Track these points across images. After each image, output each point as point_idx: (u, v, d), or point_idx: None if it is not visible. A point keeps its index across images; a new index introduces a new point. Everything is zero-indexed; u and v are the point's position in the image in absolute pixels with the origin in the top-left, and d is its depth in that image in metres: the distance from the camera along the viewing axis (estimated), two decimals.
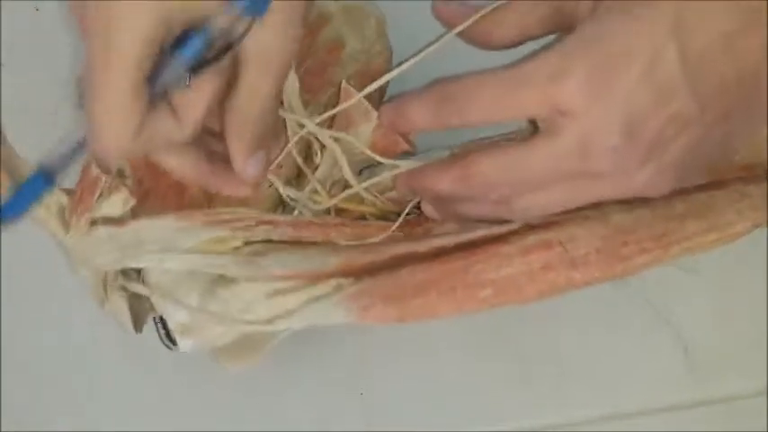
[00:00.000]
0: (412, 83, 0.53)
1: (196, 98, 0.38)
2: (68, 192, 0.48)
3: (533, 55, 0.39)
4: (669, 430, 0.47)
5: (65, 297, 0.53)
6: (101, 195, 0.45)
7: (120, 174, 0.50)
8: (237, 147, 0.41)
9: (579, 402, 0.48)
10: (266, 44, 0.38)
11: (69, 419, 0.52)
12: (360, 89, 0.50)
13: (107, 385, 0.53)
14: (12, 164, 0.46)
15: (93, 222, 0.46)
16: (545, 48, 0.39)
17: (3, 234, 0.49)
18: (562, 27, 0.41)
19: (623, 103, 0.37)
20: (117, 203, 0.45)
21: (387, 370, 0.50)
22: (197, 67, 0.37)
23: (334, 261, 0.44)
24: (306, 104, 0.48)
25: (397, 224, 0.46)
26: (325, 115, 0.46)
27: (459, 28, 0.43)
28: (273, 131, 0.42)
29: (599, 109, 0.38)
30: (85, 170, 0.46)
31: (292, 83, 0.46)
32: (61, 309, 0.53)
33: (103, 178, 0.45)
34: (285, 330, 0.47)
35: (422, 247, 0.44)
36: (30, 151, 0.55)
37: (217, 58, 0.37)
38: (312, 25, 0.51)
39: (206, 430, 0.51)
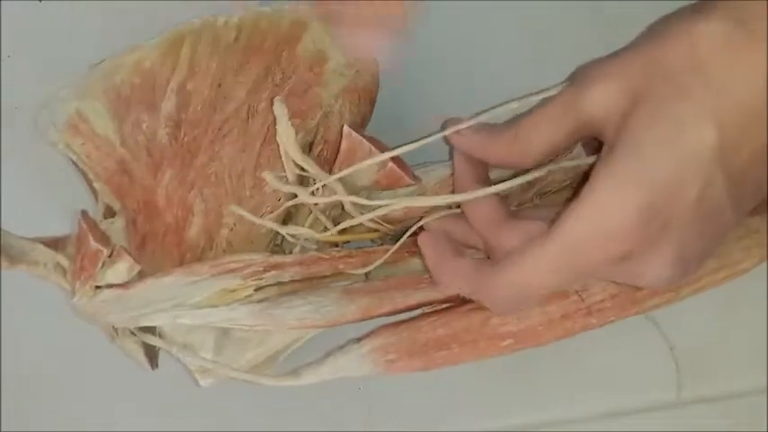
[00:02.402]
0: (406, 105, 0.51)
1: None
2: (57, 244, 0.47)
3: (576, 199, 0.38)
4: (669, 428, 0.48)
5: (66, 296, 0.52)
6: (104, 265, 0.44)
7: (110, 212, 0.48)
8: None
9: (579, 400, 0.49)
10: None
11: (70, 420, 0.52)
12: (348, 108, 0.48)
13: (108, 385, 0.53)
14: (5, 242, 0.44)
15: (98, 287, 0.45)
16: (590, 181, 0.37)
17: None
18: (591, 136, 0.40)
19: (676, 242, 0.37)
20: (122, 272, 0.44)
21: None
22: None
23: (351, 310, 0.44)
24: (295, 130, 0.46)
25: (397, 245, 0.46)
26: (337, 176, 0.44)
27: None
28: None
29: (654, 252, 0.37)
30: (82, 240, 0.44)
31: (287, 130, 0.44)
32: (62, 308, 0.52)
33: (104, 251, 0.44)
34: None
35: (438, 293, 0.44)
36: (29, 148, 0.53)
37: None
38: (288, 35, 0.47)
39: (206, 430, 0.51)
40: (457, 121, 0.43)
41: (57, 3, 0.55)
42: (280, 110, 0.45)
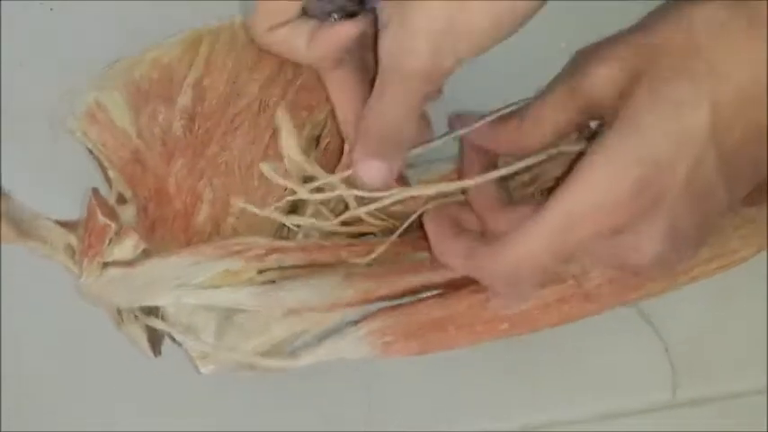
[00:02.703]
0: None
1: (330, 35, 0.43)
2: (69, 225, 0.48)
3: (570, 174, 0.38)
4: (669, 429, 0.48)
5: (66, 295, 0.52)
6: (111, 241, 0.45)
7: (122, 200, 0.50)
8: (356, 145, 0.42)
9: (579, 400, 0.49)
10: (388, 47, 0.40)
11: (69, 420, 0.52)
12: None
13: (108, 385, 0.53)
14: (17, 215, 0.46)
15: (105, 265, 0.46)
16: (584, 157, 0.38)
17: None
18: (593, 119, 0.41)
19: (667, 215, 0.38)
20: (128, 248, 0.45)
21: (390, 367, 0.50)
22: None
23: (350, 293, 0.45)
24: (302, 123, 0.48)
25: (401, 229, 0.47)
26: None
27: None
28: (398, 145, 0.42)
29: (645, 225, 0.38)
30: (90, 217, 0.45)
31: (290, 140, 0.46)
32: (62, 307, 0.53)
33: (113, 226, 0.45)
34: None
35: (437, 276, 0.45)
36: (33, 147, 0.55)
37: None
38: None
39: (208, 430, 0.51)
40: (464, 117, 0.45)
41: (68, 7, 0.58)
42: (283, 119, 0.47)
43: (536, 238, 0.38)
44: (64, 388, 0.53)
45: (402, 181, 0.46)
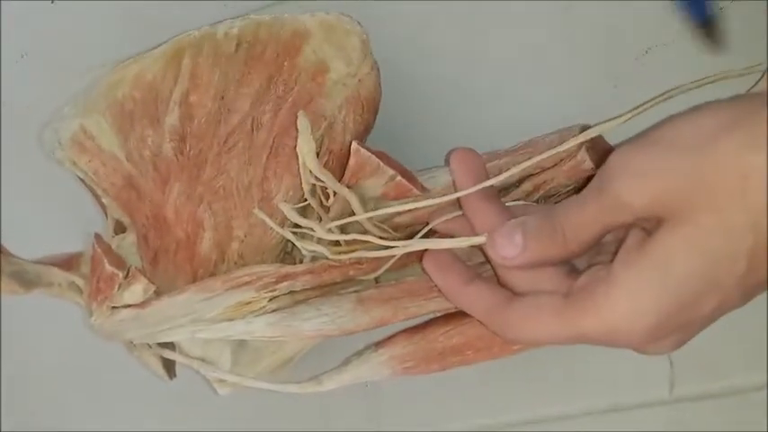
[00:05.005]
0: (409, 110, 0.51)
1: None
2: (69, 264, 0.47)
3: (593, 295, 0.38)
4: (670, 424, 0.48)
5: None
6: (120, 286, 0.45)
7: (120, 227, 0.49)
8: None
9: (580, 395, 0.50)
10: None
11: (70, 420, 0.53)
12: (352, 117, 0.48)
13: (108, 385, 0.53)
14: (20, 268, 0.45)
15: (115, 307, 0.45)
16: (612, 280, 0.38)
17: (2, 235, 0.48)
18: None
19: (679, 338, 0.39)
20: (138, 293, 0.45)
21: None
22: None
23: (366, 320, 0.45)
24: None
25: (405, 249, 0.46)
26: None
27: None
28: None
29: (656, 345, 0.39)
30: (96, 263, 0.45)
31: (308, 143, 0.44)
32: (62, 308, 0.52)
33: (120, 274, 0.44)
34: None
35: (450, 303, 0.45)
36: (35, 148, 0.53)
37: None
38: (288, 45, 0.47)
39: (209, 429, 0.52)
40: (462, 151, 0.45)
41: (68, 4, 0.56)
42: (303, 123, 0.45)
43: (552, 335, 0.39)
44: (65, 388, 0.54)
45: (420, 187, 0.46)
